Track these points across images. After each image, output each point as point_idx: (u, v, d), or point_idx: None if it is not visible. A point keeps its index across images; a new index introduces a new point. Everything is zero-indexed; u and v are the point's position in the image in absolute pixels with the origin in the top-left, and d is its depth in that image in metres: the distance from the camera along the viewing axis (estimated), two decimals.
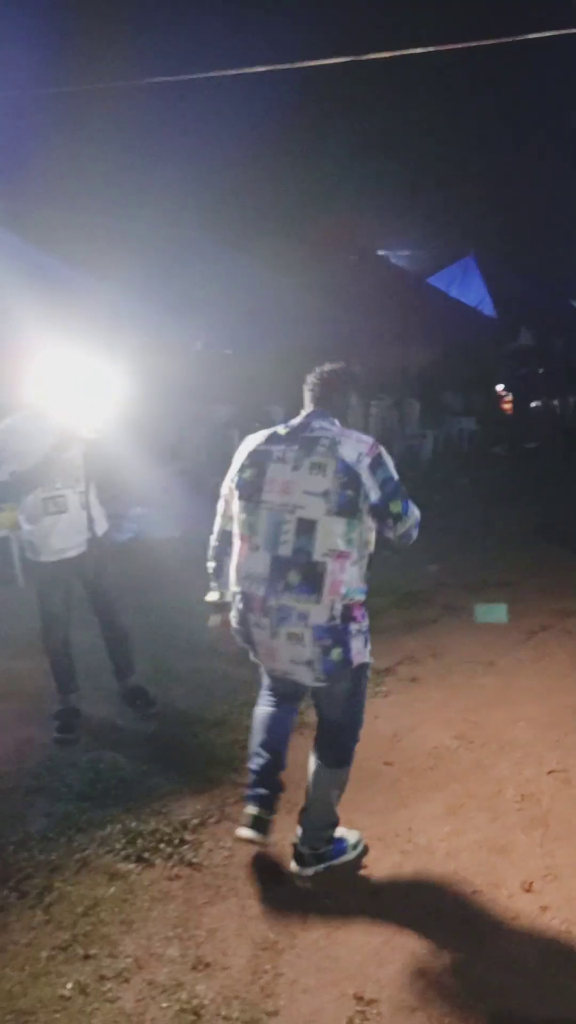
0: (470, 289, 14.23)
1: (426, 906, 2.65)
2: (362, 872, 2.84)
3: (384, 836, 3.01)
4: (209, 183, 14.86)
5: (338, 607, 2.53)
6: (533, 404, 13.25)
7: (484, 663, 4.57)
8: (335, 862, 2.84)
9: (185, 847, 2.98)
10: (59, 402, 3.65)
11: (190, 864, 2.90)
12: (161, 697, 4.25)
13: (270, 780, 2.89)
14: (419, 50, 5.18)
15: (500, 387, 13.13)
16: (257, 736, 2.94)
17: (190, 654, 4.84)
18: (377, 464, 2.56)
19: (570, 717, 3.87)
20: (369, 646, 2.64)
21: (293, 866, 2.84)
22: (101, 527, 4.01)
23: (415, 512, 2.65)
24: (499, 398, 13.33)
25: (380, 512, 2.57)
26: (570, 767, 3.43)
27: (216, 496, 2.88)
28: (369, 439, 2.62)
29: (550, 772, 3.39)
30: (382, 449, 2.62)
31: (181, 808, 3.24)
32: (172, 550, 7.35)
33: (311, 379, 2.79)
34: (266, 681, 2.98)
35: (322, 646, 2.53)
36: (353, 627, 2.56)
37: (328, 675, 2.57)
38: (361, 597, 2.60)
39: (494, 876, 2.77)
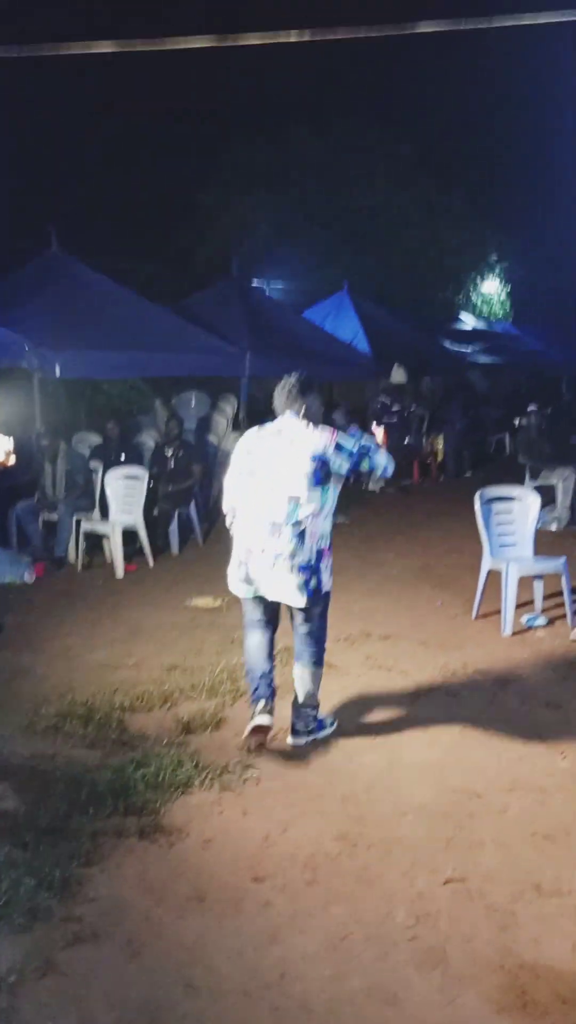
0: (344, 324, 14.08)
1: None
2: None
3: (250, 989, 2.42)
4: (76, 201, 14.12)
5: (314, 551, 3.70)
6: (406, 441, 13.13)
7: (367, 735, 4.09)
8: (319, 735, 3.94)
9: None
10: None
11: None
12: None
13: (267, 687, 3.95)
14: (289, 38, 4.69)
15: (374, 424, 12.95)
16: (251, 659, 4.00)
17: (30, 735, 4.10)
18: (339, 447, 3.66)
19: (462, 805, 3.42)
20: (332, 578, 3.82)
21: (290, 739, 3.91)
22: None
23: (380, 460, 3.73)
24: (373, 435, 13.17)
25: (357, 473, 3.76)
26: (468, 874, 2.95)
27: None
28: (328, 430, 3.72)
29: (446, 882, 2.90)
30: (339, 433, 3.72)
31: None
32: (19, 600, 6.54)
33: (280, 389, 3.81)
34: (249, 617, 3.97)
35: (304, 578, 3.67)
36: (323, 564, 3.74)
37: (309, 598, 3.71)
38: (328, 543, 3.77)
39: None
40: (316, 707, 3.94)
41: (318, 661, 3.90)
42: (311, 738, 3.93)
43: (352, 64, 18.20)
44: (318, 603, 3.77)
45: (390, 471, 3.75)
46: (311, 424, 3.75)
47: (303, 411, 3.77)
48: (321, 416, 3.85)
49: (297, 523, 3.64)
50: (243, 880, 2.91)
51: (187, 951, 2.58)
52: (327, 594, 3.82)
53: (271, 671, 4.05)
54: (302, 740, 3.91)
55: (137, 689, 4.61)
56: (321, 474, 3.64)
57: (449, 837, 3.17)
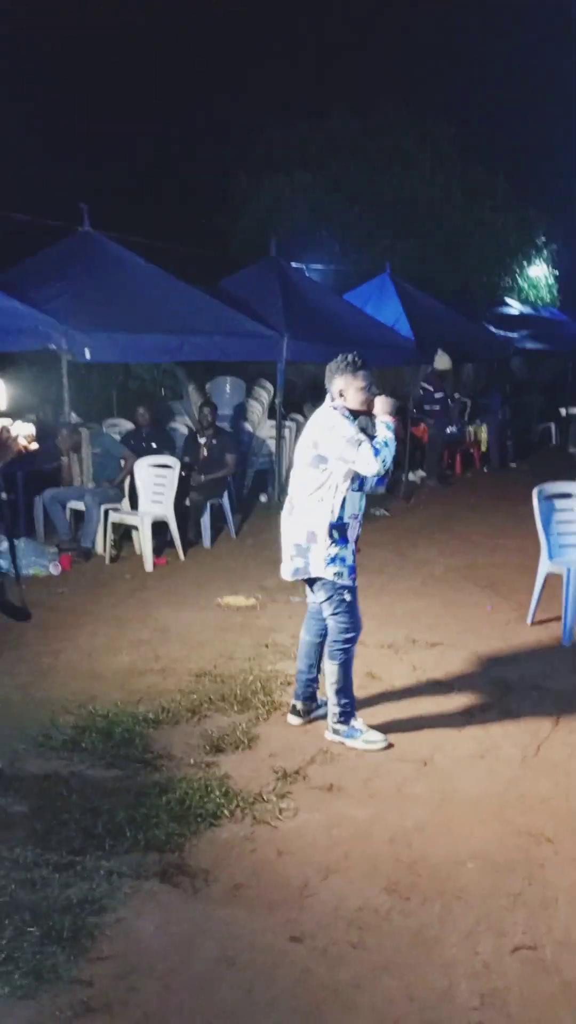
0: (386, 307, 13.54)
1: None
2: None
3: None
4: (109, 179, 13.76)
5: (305, 530, 3.67)
6: (449, 430, 12.60)
7: (416, 761, 3.67)
8: (348, 740, 3.78)
9: None
10: None
11: None
12: None
13: (301, 687, 4.01)
14: None
15: (415, 412, 12.43)
16: (299, 659, 4.03)
17: (45, 750, 3.74)
18: (333, 435, 3.57)
19: (529, 851, 2.99)
20: (334, 568, 3.65)
21: (327, 732, 3.84)
22: None
23: (366, 454, 3.48)
24: (414, 424, 12.63)
25: (347, 461, 3.54)
26: (540, 938, 2.53)
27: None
28: (332, 419, 3.61)
29: (515, 950, 2.49)
30: (338, 423, 3.58)
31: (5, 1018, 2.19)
32: (43, 594, 6.20)
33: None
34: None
35: (291, 555, 3.73)
36: (314, 546, 3.65)
37: (293, 575, 3.77)
38: (323, 529, 3.62)
39: None
40: (338, 702, 3.80)
41: (331, 655, 3.81)
42: (338, 738, 3.81)
43: (391, 42, 17.60)
44: (319, 588, 3.74)
45: (375, 467, 3.47)
46: (335, 406, 3.69)
47: (336, 392, 3.71)
48: (359, 398, 3.66)
49: (295, 498, 3.75)
50: (279, 939, 2.53)
51: None
52: (330, 584, 3.69)
53: (307, 672, 4.00)
54: (329, 734, 3.84)
55: (163, 699, 4.24)
56: (317, 454, 3.63)
57: (516, 892, 2.75)
